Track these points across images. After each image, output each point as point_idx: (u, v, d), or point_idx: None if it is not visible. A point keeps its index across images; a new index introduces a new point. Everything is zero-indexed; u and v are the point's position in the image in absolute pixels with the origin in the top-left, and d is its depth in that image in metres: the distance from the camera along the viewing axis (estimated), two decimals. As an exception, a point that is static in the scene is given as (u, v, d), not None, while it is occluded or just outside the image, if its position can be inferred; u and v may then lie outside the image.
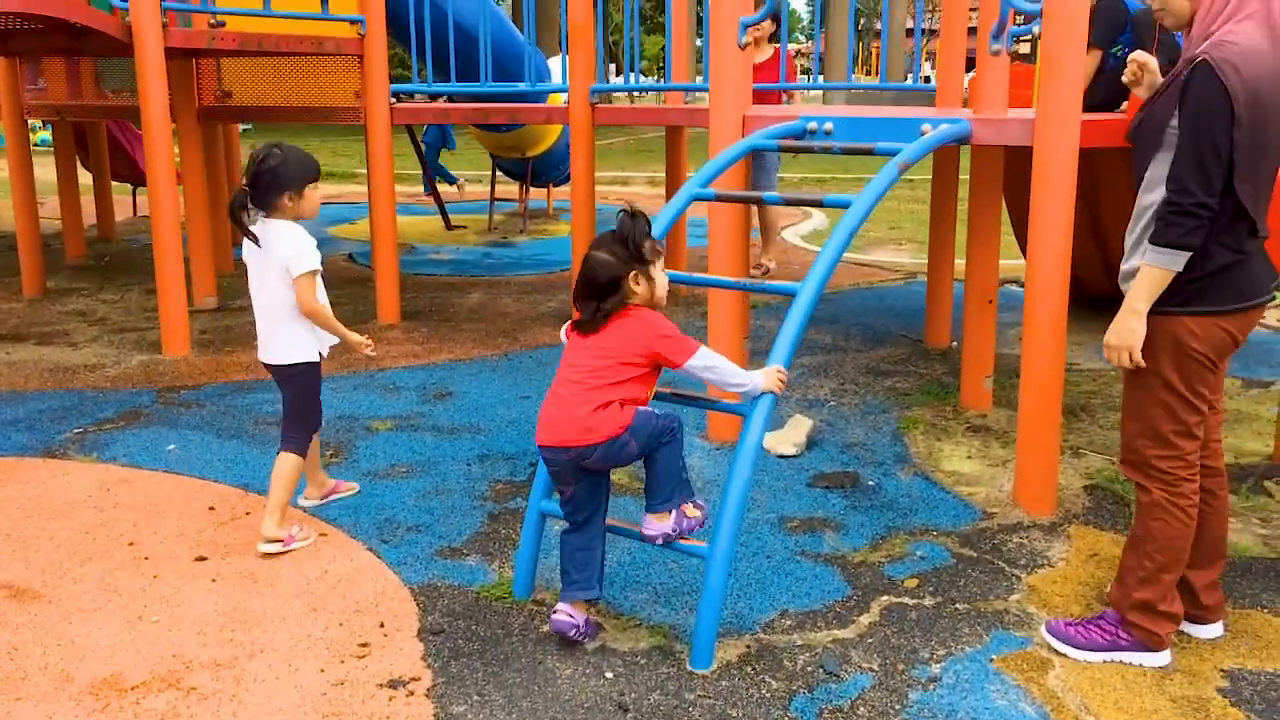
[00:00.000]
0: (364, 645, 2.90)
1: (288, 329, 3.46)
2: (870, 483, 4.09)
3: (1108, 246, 6.24)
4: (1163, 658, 2.84)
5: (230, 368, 5.60)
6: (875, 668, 2.83)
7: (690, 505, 2.91)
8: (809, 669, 2.82)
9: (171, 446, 4.41)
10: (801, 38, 57.06)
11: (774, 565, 3.40)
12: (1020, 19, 4.37)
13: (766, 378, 2.91)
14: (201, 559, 3.40)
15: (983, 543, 3.56)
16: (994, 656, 2.88)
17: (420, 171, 10.84)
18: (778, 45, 7.15)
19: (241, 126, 10.72)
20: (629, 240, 2.80)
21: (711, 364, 2.84)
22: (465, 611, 3.09)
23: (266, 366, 3.56)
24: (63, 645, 2.89)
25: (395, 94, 6.56)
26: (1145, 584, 2.79)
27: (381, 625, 3.00)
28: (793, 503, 3.89)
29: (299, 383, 3.52)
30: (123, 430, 4.62)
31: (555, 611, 2.91)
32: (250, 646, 2.88)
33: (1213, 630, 2.98)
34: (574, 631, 2.88)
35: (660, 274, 2.87)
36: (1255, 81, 2.50)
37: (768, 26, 7.22)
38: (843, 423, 4.78)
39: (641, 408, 2.81)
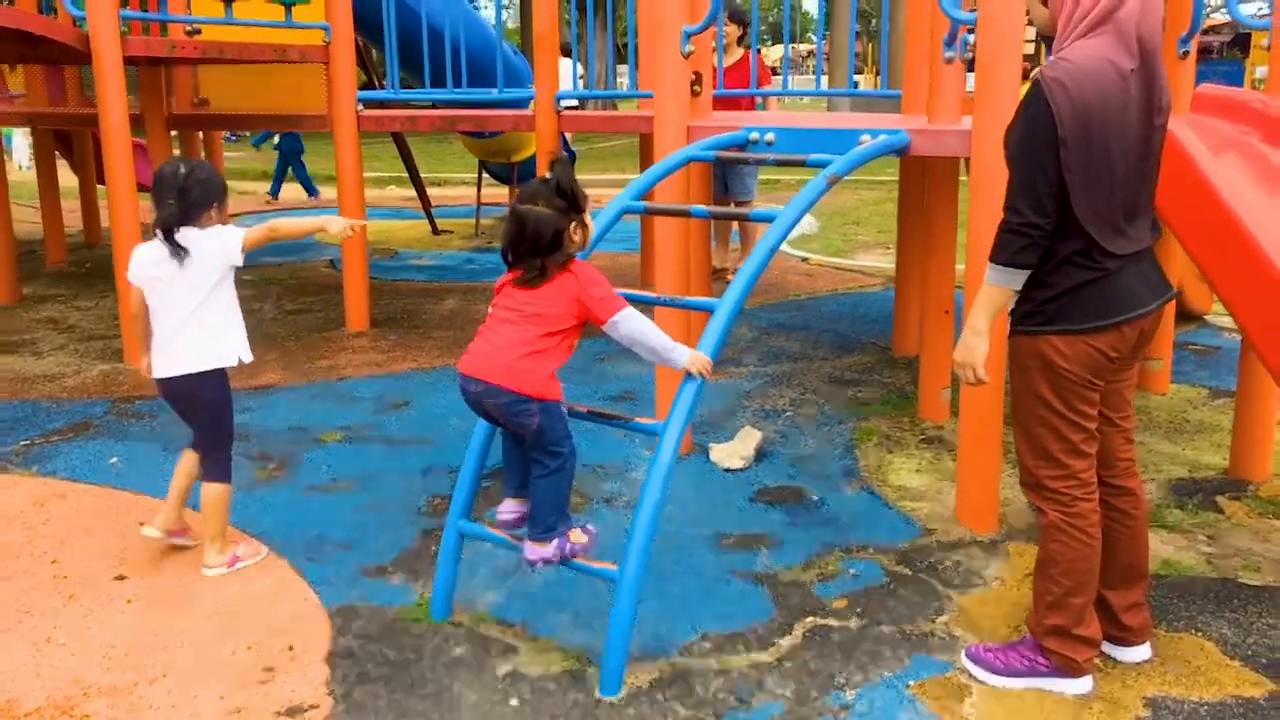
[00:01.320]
0: (269, 670, 2.85)
1: (195, 336, 3.27)
2: (814, 497, 4.02)
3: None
4: (1084, 684, 2.76)
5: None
6: (788, 694, 2.77)
7: (577, 530, 2.88)
8: (720, 695, 2.76)
9: (114, 459, 4.38)
10: (813, 37, 56.88)
11: (702, 584, 3.34)
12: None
13: (694, 360, 2.84)
14: (121, 578, 3.37)
15: (919, 560, 3.49)
16: (911, 682, 2.82)
17: (409, 177, 10.80)
18: (748, 49, 7.09)
19: (226, 135, 10.72)
20: (567, 190, 2.76)
21: (637, 328, 2.78)
22: (379, 634, 3.05)
23: (166, 384, 3.33)
24: (-34, 669, 2.86)
25: (364, 101, 6.51)
26: (1055, 609, 2.72)
27: (291, 648, 2.96)
28: (732, 518, 3.83)
29: (209, 395, 3.35)
30: (69, 442, 4.59)
31: (501, 510, 3.00)
32: (153, 671, 2.84)
33: (1138, 653, 2.90)
34: (518, 522, 2.98)
35: (590, 219, 2.87)
36: (1084, 101, 2.43)
37: (734, 31, 7.15)
38: (797, 434, 4.71)
39: (562, 406, 2.79)
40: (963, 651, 2.92)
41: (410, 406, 5.09)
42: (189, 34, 6.23)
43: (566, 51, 9.48)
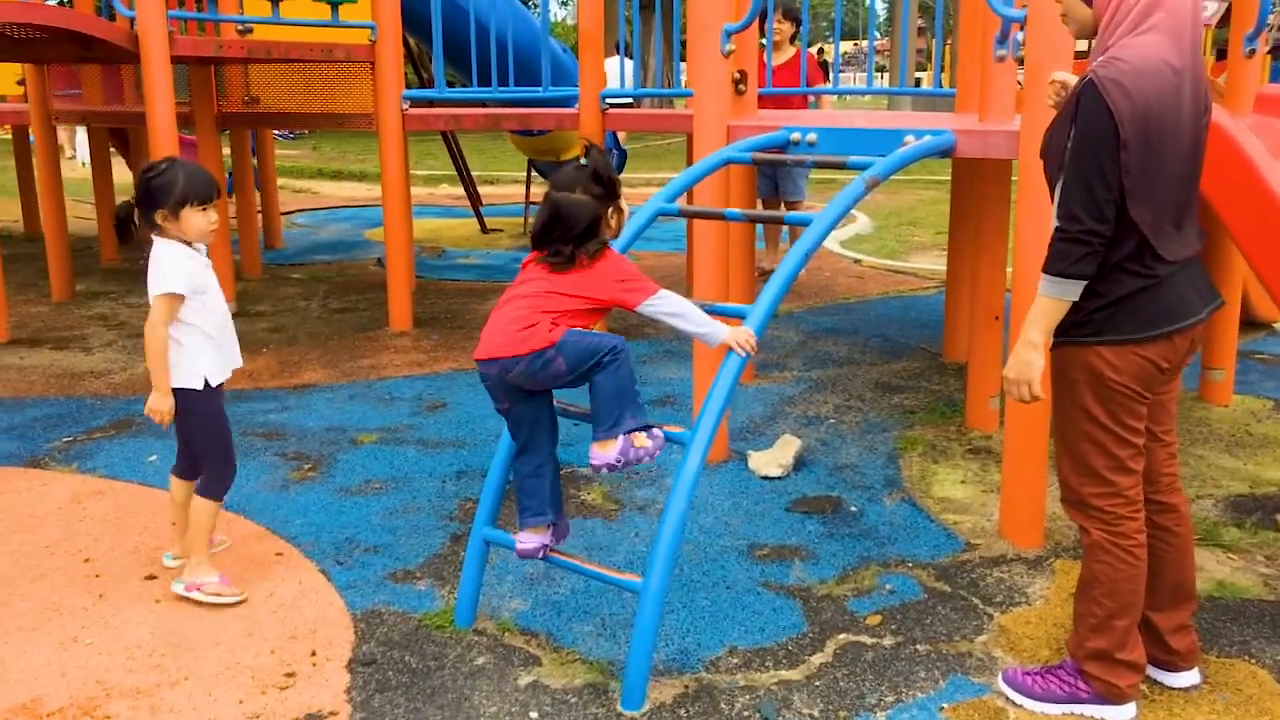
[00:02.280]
0: (290, 675, 2.83)
1: (175, 352, 3.12)
2: (853, 508, 3.92)
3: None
4: (1127, 711, 2.64)
5: (234, 375, 5.58)
6: (816, 714, 2.68)
7: (641, 434, 2.74)
8: (745, 713, 2.68)
9: (153, 457, 4.40)
10: (878, 34, 56.14)
11: (732, 597, 3.26)
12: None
13: (733, 332, 2.78)
14: (151, 577, 3.37)
15: (959, 576, 3.38)
16: (945, 705, 2.71)
17: (458, 176, 10.82)
18: (799, 47, 6.97)
19: (278, 134, 10.82)
20: (604, 175, 2.73)
21: (675, 306, 2.73)
22: (402, 640, 3.01)
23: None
24: (-7, 666, 2.87)
25: (410, 99, 6.51)
26: (1097, 632, 2.60)
27: (313, 654, 2.93)
28: (767, 529, 3.74)
29: (187, 416, 3.15)
30: (111, 439, 4.62)
31: (519, 541, 2.86)
32: (175, 673, 2.83)
33: (1186, 678, 2.76)
34: (541, 553, 2.86)
35: (625, 204, 2.82)
36: (1145, 101, 2.31)
37: (787, 28, 7.04)
38: (838, 442, 4.60)
39: (573, 327, 2.69)
40: (1000, 674, 2.81)
41: (448, 408, 5.06)
42: (241, 33, 6.29)
43: (616, 49, 9.42)
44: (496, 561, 3.40)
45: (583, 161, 2.77)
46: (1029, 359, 2.51)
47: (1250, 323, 6.07)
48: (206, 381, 3.14)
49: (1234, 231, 3.31)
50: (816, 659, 2.92)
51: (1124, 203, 2.38)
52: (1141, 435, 2.55)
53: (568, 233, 2.70)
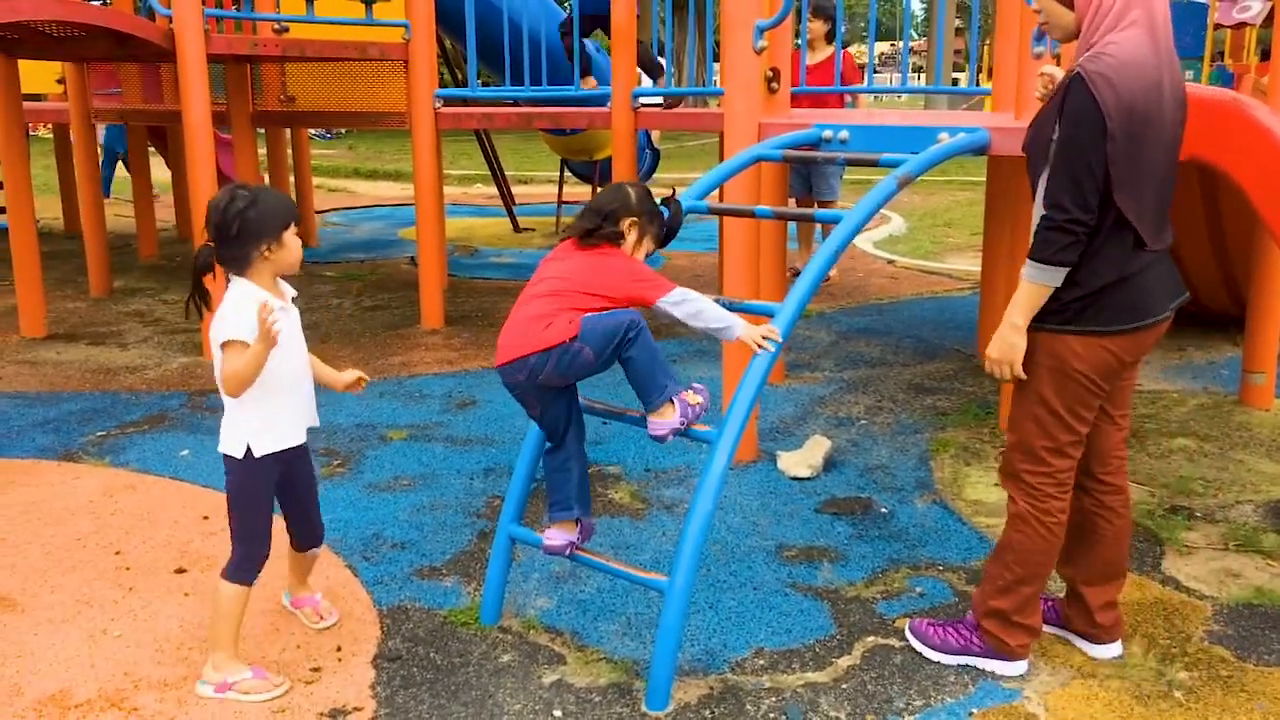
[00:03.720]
0: (315, 670, 2.83)
1: (225, 412, 2.75)
2: (883, 510, 3.88)
3: (1184, 265, 5.87)
4: (1017, 668, 2.80)
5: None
6: (843, 717, 2.64)
7: (689, 391, 2.75)
8: (771, 715, 2.65)
9: (185, 451, 4.43)
10: (914, 35, 55.87)
11: (759, 598, 3.22)
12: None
13: (749, 329, 2.78)
14: (181, 571, 3.39)
15: (990, 581, 3.32)
16: (975, 710, 2.67)
17: (491, 175, 10.85)
18: (835, 47, 6.92)
19: (312, 133, 10.89)
20: (670, 225, 2.88)
21: (691, 304, 2.73)
22: (428, 637, 3.00)
23: None
24: (23, 657, 2.89)
25: (443, 98, 6.53)
26: (1002, 593, 2.76)
27: (339, 649, 2.93)
28: (795, 530, 3.71)
29: (228, 482, 2.76)
30: (144, 434, 4.66)
31: (546, 538, 2.84)
32: (203, 666, 2.83)
33: (1109, 650, 2.89)
34: (568, 550, 2.85)
35: (650, 246, 2.86)
36: (1130, 94, 2.40)
37: (820, 27, 6.99)
38: (870, 443, 4.56)
39: (588, 314, 2.66)
40: (906, 624, 2.98)
41: (477, 405, 5.06)
42: (277, 31, 6.33)
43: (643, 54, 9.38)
44: (522, 559, 3.40)
45: (666, 199, 2.91)
46: (1012, 341, 2.61)
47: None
48: (249, 449, 2.69)
49: (1270, 222, 3.24)
50: (844, 661, 2.89)
51: (1109, 193, 2.45)
52: (1088, 425, 2.67)
53: (600, 208, 2.76)
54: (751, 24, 3.95)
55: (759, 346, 2.77)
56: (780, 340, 2.80)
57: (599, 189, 2.77)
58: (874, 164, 3.41)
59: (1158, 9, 2.47)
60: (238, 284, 2.67)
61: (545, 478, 2.89)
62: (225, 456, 2.73)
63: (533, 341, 2.65)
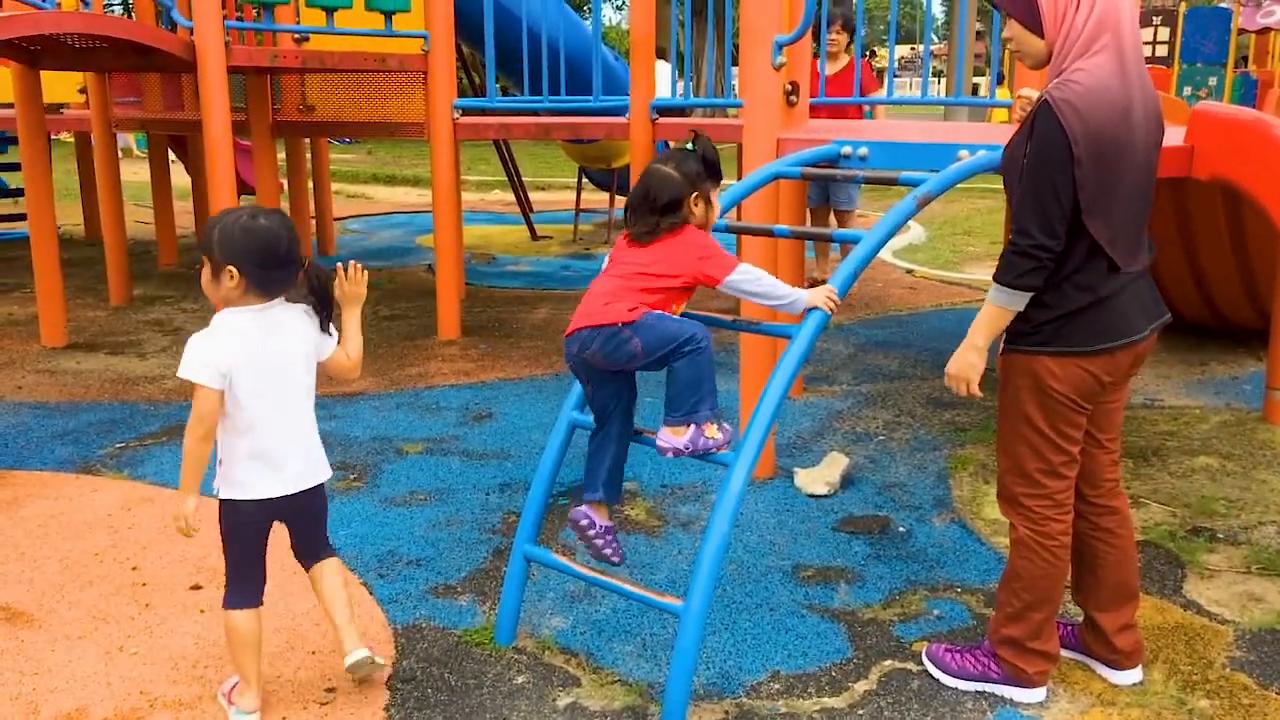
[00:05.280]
0: (330, 690, 2.83)
1: None
2: (901, 529, 3.85)
3: (1206, 280, 5.83)
4: (1035, 694, 2.78)
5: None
6: (859, 744, 2.62)
7: (713, 425, 2.75)
8: (787, 742, 2.63)
9: (203, 464, 4.44)
10: (935, 38, 55.60)
11: (775, 620, 3.20)
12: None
13: (814, 295, 2.81)
14: (197, 587, 3.39)
15: (1009, 603, 3.29)
16: (993, 738, 2.64)
17: (509, 182, 10.86)
18: (854, 56, 6.89)
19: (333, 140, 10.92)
20: (710, 159, 2.80)
21: (755, 279, 2.75)
22: (443, 657, 2.99)
23: None
24: (40, 674, 2.90)
25: (462, 108, 6.53)
26: (1014, 621, 2.75)
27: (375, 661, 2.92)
28: (812, 549, 3.69)
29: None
30: (162, 445, 4.68)
31: (573, 513, 2.88)
32: (218, 685, 2.83)
33: (1130, 676, 2.86)
34: (590, 527, 2.85)
35: (716, 199, 2.86)
36: (1097, 121, 2.40)
37: (841, 38, 6.96)
38: (888, 459, 4.53)
39: (654, 309, 2.69)
40: (923, 650, 2.95)
41: (493, 418, 5.06)
42: (298, 41, 6.36)
43: (663, 55, 9.37)
44: (538, 578, 3.39)
45: (690, 146, 2.84)
46: (971, 360, 2.66)
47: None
48: (216, 492, 2.63)
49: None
50: (860, 686, 2.86)
51: (1079, 218, 2.46)
52: (1077, 444, 2.66)
53: (653, 205, 2.74)
54: (770, 38, 3.93)
55: (830, 306, 2.80)
56: (838, 302, 2.83)
57: (631, 187, 2.77)
58: (893, 182, 3.38)
59: (1127, 35, 2.46)
60: (221, 314, 2.60)
61: (591, 446, 2.91)
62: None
63: (591, 316, 2.69)
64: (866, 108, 7.19)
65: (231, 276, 2.53)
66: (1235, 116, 3.18)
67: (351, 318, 2.79)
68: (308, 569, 2.83)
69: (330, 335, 2.69)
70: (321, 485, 2.74)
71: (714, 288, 2.75)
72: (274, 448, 2.60)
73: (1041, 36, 2.55)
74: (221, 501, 2.63)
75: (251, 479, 2.59)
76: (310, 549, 2.81)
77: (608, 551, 2.91)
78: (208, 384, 2.52)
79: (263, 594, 2.71)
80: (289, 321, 2.62)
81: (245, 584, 2.66)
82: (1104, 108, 2.42)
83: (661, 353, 2.66)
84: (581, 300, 2.79)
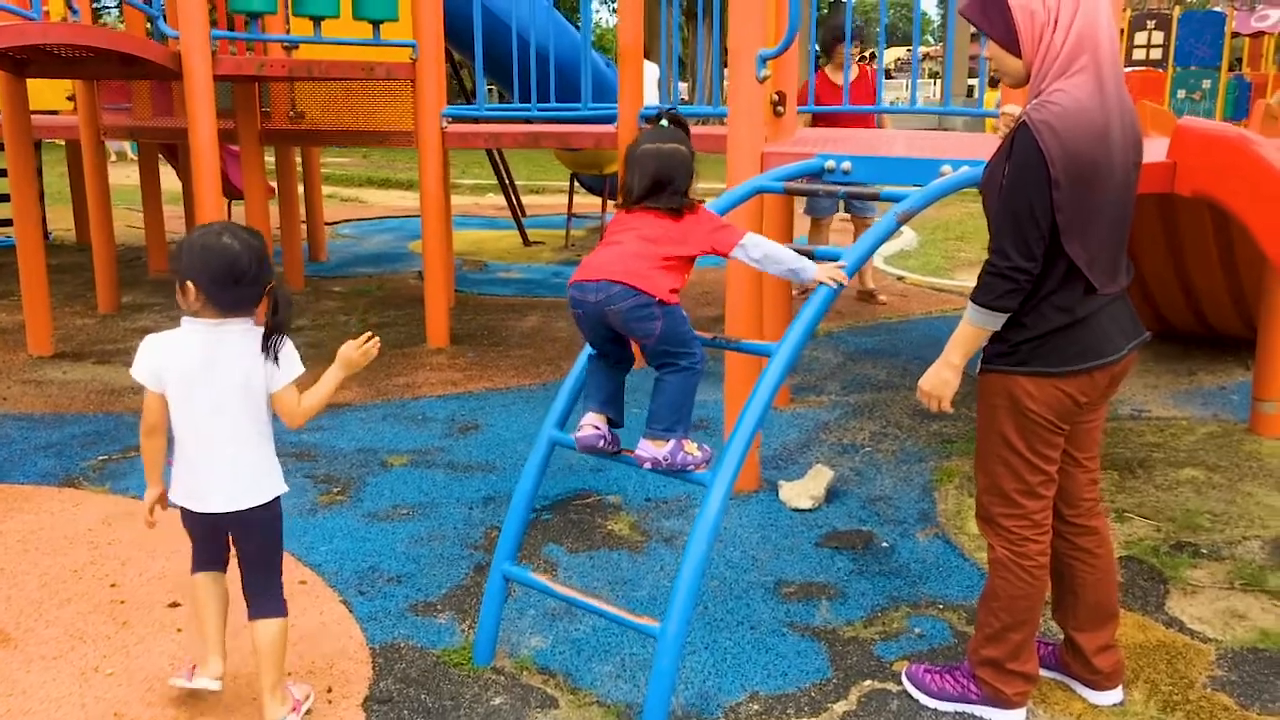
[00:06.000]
0: (305, 713, 2.81)
1: None
2: (884, 544, 3.84)
3: (1195, 290, 5.82)
4: (1015, 716, 2.77)
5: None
6: (837, 767, 2.61)
7: (692, 443, 2.78)
8: (764, 765, 2.62)
9: (186, 478, 4.42)
10: (931, 40, 55.64)
11: (756, 639, 3.19)
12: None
13: (823, 268, 2.85)
14: (175, 605, 3.37)
15: (991, 621, 3.28)
16: (971, 760, 2.63)
17: (501, 187, 10.85)
18: (862, 63, 6.91)
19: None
20: (687, 129, 2.88)
21: (765, 249, 2.81)
22: (420, 678, 2.98)
23: None
24: (14, 695, 2.88)
25: (451, 116, 6.51)
26: (992, 642, 2.74)
27: (329, 690, 2.91)
28: (795, 565, 3.67)
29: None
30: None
31: (579, 430, 2.83)
32: (193, 707, 2.82)
33: (1110, 696, 2.85)
34: (599, 442, 2.82)
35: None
36: (1075, 142, 2.39)
37: (857, 50, 6.99)
38: (873, 472, 4.52)
39: (679, 306, 2.73)
40: (903, 670, 2.94)
41: (480, 430, 5.04)
42: (287, 50, 6.34)
43: (651, 55, 9.31)
44: (519, 595, 3.37)
45: (664, 124, 2.87)
46: (945, 377, 2.65)
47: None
48: (173, 501, 2.72)
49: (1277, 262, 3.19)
50: (840, 707, 2.85)
51: (1057, 240, 2.45)
52: (1054, 464, 2.65)
53: (680, 185, 2.77)
54: (754, 51, 3.92)
55: (835, 282, 2.84)
56: (845, 281, 2.87)
57: (660, 148, 2.78)
58: (875, 198, 3.38)
59: (1106, 55, 2.45)
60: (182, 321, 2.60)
61: (591, 377, 2.89)
62: None
63: (632, 274, 2.66)
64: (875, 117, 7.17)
65: (189, 291, 2.55)
66: (1216, 133, 3.17)
67: (335, 375, 2.72)
68: (249, 618, 2.72)
69: (278, 366, 2.61)
70: (255, 513, 2.65)
71: (724, 256, 2.81)
72: (196, 463, 2.63)
73: (1019, 57, 2.54)
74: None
75: (179, 487, 2.68)
76: (253, 588, 2.72)
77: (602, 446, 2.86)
78: (145, 384, 2.61)
79: (226, 562, 2.76)
80: (238, 343, 2.58)
81: (202, 553, 2.77)
82: (1082, 129, 2.41)
83: (668, 349, 2.70)
84: (604, 251, 2.76)
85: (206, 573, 2.78)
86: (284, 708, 2.70)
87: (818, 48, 6.66)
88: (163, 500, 2.76)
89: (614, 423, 2.89)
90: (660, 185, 2.76)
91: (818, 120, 6.76)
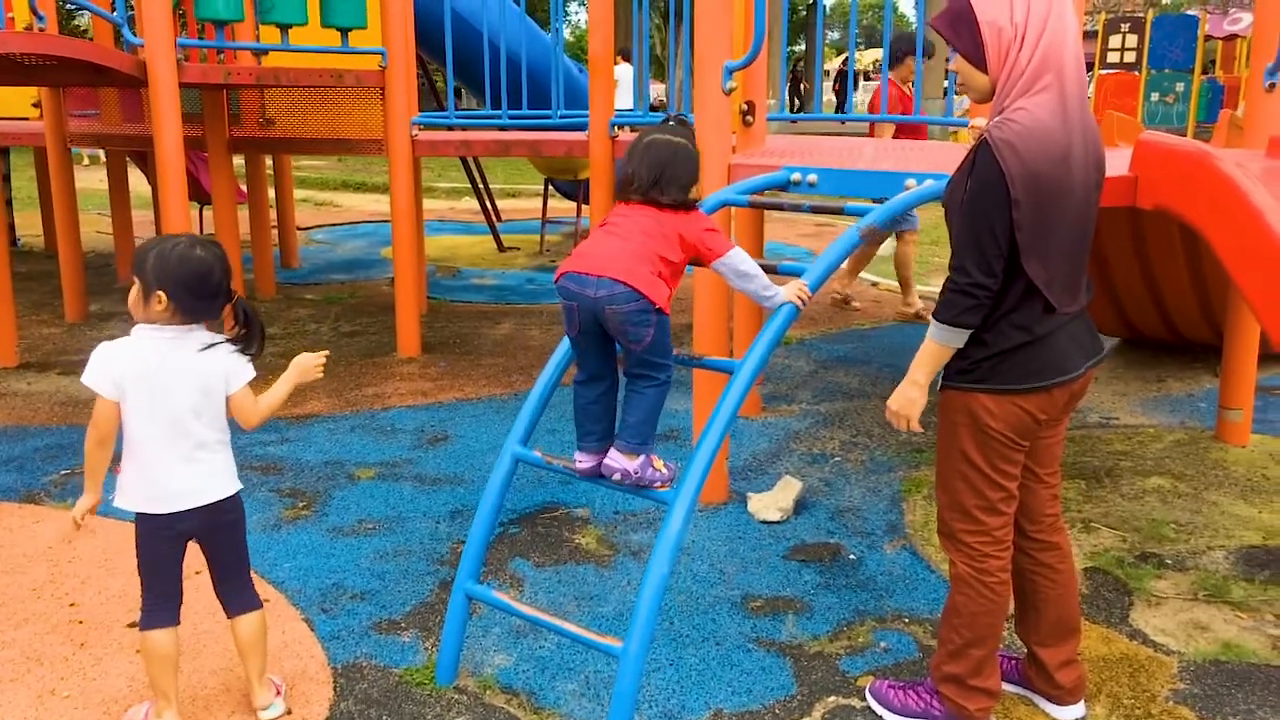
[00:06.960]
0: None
1: None
2: (851, 556, 3.83)
3: (1163, 298, 5.85)
4: None
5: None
6: (799, 786, 2.60)
7: (659, 460, 2.79)
8: (726, 785, 2.61)
9: (150, 492, 4.37)
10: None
11: (721, 655, 3.18)
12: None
13: (788, 290, 2.90)
14: (133, 625, 3.32)
15: (956, 635, 3.28)
16: (933, 778, 2.63)
17: (475, 193, 10.80)
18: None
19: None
20: (688, 135, 2.88)
21: (747, 268, 2.83)
22: (381, 698, 2.95)
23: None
24: (-32, 720, 2.84)
25: (421, 124, 6.48)
26: (954, 658, 2.74)
27: (289, 712, 2.88)
28: (762, 578, 3.66)
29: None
30: (109, 473, 4.59)
31: (578, 460, 2.86)
32: (147, 730, 2.78)
33: (1072, 711, 2.86)
34: (597, 469, 2.83)
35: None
36: (1035, 162, 2.40)
37: (911, 61, 6.98)
38: (842, 483, 4.52)
39: (669, 321, 2.75)
40: (867, 686, 2.94)
41: (449, 441, 5.01)
42: (256, 56, 6.28)
43: (626, 57, 9.28)
44: (483, 612, 3.35)
45: (671, 124, 2.89)
46: (911, 396, 2.67)
47: (1271, 355, 5.93)
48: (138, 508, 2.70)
49: (1238, 278, 3.20)
50: (803, 724, 2.84)
51: (1016, 258, 2.46)
52: (1014, 480, 2.66)
53: (686, 180, 2.77)
54: (720, 64, 3.92)
55: (801, 300, 2.90)
56: (809, 296, 2.92)
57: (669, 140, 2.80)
58: (839, 212, 3.37)
59: (1070, 76, 2.45)
60: (136, 328, 2.62)
61: (578, 409, 2.86)
62: None
63: (635, 276, 2.64)
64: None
65: (160, 301, 2.55)
66: (1177, 148, 3.17)
67: (289, 381, 2.80)
68: (229, 616, 2.81)
69: (236, 371, 2.64)
70: (223, 504, 2.69)
71: (708, 264, 2.82)
72: (155, 467, 2.63)
73: (985, 72, 2.53)
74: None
75: (137, 494, 2.67)
76: (228, 587, 2.79)
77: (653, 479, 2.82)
78: (101, 392, 2.59)
79: (178, 613, 2.71)
80: (196, 350, 2.60)
81: (158, 601, 2.69)
82: (1043, 148, 2.42)
83: (650, 359, 2.71)
84: (596, 241, 2.73)
85: (162, 630, 2.68)
86: (270, 693, 2.84)
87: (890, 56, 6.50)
88: (94, 509, 2.76)
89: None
90: (667, 177, 2.75)
91: (900, 131, 6.79)
